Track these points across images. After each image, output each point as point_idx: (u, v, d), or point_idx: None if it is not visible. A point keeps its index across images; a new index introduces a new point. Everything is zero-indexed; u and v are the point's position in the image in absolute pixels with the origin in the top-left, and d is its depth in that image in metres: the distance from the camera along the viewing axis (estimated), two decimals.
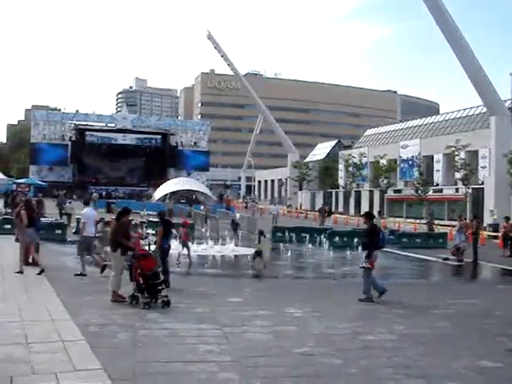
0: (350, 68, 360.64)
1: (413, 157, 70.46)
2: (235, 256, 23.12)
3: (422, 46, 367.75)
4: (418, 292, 16.03)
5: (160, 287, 11.34)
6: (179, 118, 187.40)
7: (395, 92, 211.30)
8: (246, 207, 65.02)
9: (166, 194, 57.36)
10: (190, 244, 21.32)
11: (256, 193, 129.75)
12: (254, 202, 66.19)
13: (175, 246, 20.18)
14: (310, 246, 27.05)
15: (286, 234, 29.86)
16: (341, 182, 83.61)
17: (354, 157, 78.47)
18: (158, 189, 62.20)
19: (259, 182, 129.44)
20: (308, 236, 29.14)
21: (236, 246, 25.95)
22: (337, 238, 29.13)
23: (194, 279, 16.81)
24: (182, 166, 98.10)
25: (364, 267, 13.18)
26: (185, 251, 20.53)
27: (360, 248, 24.45)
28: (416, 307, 13.18)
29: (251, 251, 23.68)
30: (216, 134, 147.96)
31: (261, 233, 20.89)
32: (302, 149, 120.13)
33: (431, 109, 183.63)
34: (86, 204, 16.73)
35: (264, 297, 13.75)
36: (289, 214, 66.96)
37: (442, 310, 12.91)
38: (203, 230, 32.49)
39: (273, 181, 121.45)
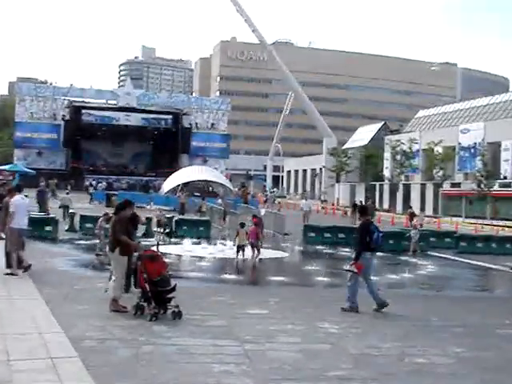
0: (397, 36, 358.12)
1: (475, 144, 70.00)
2: (260, 260, 23.19)
3: (487, 7, 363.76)
4: (479, 307, 15.91)
5: (170, 295, 11.39)
6: (194, 94, 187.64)
7: (455, 65, 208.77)
8: (266, 201, 65.12)
9: (178, 186, 57.35)
10: (259, 244, 23.39)
11: (284, 185, 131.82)
12: (272, 194, 67.00)
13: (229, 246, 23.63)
14: (348, 249, 26.68)
15: (320, 234, 30.22)
16: (386, 172, 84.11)
17: (402, 143, 78.62)
18: (168, 179, 62.47)
19: (288, 172, 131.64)
20: (345, 237, 29.29)
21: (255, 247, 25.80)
22: None
23: (212, 286, 17.07)
24: (197, 152, 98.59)
25: (349, 271, 13.27)
26: (251, 253, 22.74)
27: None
28: (477, 325, 13.07)
29: (277, 254, 24.30)
30: (237, 115, 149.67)
31: (242, 225, 23.28)
32: (340, 133, 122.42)
33: (499, 85, 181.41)
34: (17, 191, 16.50)
35: (292, 308, 13.75)
36: (323, 211, 66.27)
37: (510, 329, 12.80)
38: (221, 227, 32.76)
39: (304, 171, 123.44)
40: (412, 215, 43.51)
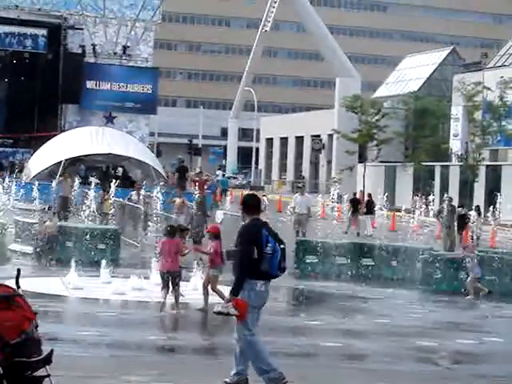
0: None
1: None
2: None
3: None
4: None
5: (40, 372, 7.59)
6: None
7: None
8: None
9: (58, 165, 38.88)
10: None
11: (261, 166, 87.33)
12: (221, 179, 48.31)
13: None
14: (381, 288, 20.52)
15: (326, 257, 21.91)
16: (455, 144, 58.11)
17: (487, 88, 52.80)
18: (39, 151, 42.82)
19: (269, 141, 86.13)
20: (376, 263, 21.93)
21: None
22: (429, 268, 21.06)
23: (123, 357, 12.63)
24: (96, 100, 57.23)
25: (223, 314, 9.76)
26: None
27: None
28: None
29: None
30: (173, 30, 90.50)
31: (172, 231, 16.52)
32: (369, 69, 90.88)
33: None
34: None
35: None
36: (333, 215, 34.26)
37: None
38: (138, 244, 25.10)
39: (299, 140, 79.40)
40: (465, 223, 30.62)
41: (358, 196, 39.84)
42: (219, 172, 70.13)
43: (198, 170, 41.89)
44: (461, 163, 54.82)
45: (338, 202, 33.90)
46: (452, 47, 78.24)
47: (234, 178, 77.19)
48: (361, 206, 36.43)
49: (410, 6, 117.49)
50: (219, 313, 10.19)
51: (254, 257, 9.53)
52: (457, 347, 14.72)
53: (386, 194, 35.31)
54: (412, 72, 76.00)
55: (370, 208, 36.01)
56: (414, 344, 15.07)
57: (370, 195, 40.15)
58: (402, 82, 76.53)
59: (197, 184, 34.36)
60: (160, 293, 16.34)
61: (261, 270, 9.61)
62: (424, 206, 30.87)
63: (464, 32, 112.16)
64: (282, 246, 9.74)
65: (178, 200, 26.94)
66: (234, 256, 9.96)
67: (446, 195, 35.55)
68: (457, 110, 58.33)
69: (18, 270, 9.32)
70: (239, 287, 9.68)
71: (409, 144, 65.05)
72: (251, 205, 10.10)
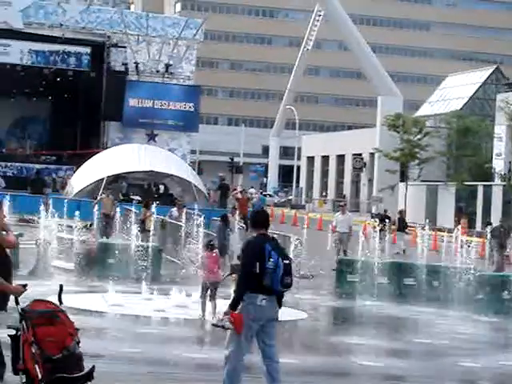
0: None
1: None
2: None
3: None
4: None
5: None
6: (132, 8, 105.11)
7: None
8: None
9: (100, 181, 38.09)
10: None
11: (302, 184, 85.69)
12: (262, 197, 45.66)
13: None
14: (430, 308, 19.76)
15: (369, 276, 21.21)
16: (498, 163, 57.21)
17: None
18: (81, 168, 42.26)
19: (310, 159, 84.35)
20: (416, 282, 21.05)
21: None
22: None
23: (163, 374, 12.40)
24: (138, 118, 57.19)
25: (219, 327, 9.68)
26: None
27: None
28: None
29: (288, 314, 16.97)
30: (215, 49, 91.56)
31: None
32: (411, 88, 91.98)
33: None
34: None
35: None
36: (376, 234, 32.21)
37: None
38: (181, 261, 24.24)
39: (341, 158, 78.33)
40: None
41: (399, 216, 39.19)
42: (252, 190, 68.49)
43: (240, 189, 41.47)
44: (504, 183, 53.89)
45: (380, 221, 33.48)
46: (495, 66, 76.96)
47: (270, 196, 76.14)
48: (390, 224, 35.33)
49: (453, 25, 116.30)
50: (215, 325, 10.16)
51: (256, 271, 9.50)
52: (499, 368, 14.30)
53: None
54: (455, 91, 74.64)
55: (402, 225, 35.63)
56: (455, 364, 14.68)
57: (400, 212, 39.67)
58: (445, 100, 75.26)
59: (239, 201, 34.08)
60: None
61: (263, 285, 9.57)
62: (466, 226, 30.39)
63: (508, 50, 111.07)
64: (285, 262, 9.67)
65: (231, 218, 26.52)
66: (238, 270, 9.85)
67: (491, 216, 34.82)
68: (500, 130, 57.40)
69: (61, 286, 9.10)
70: (237, 301, 9.64)
71: (451, 163, 63.62)
72: (257, 220, 10.05)
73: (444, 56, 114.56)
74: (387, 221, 33.60)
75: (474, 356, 15.10)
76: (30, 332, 8.52)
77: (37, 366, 8.33)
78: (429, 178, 61.73)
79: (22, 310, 8.55)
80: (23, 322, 8.44)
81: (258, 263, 9.37)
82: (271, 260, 9.34)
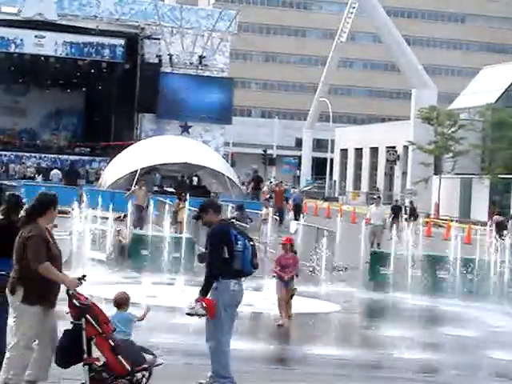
0: None
1: None
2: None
3: None
4: None
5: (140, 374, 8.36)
6: (166, 0, 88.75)
7: None
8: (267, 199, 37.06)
9: (134, 173, 37.56)
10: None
11: (335, 177, 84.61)
12: (276, 185, 42.56)
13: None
14: (461, 301, 19.23)
15: (402, 269, 20.61)
16: None
17: None
18: (115, 160, 42.02)
19: (343, 152, 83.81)
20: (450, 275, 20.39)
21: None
22: None
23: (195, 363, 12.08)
24: (172, 110, 56.41)
25: (192, 315, 9.47)
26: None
27: None
28: None
29: (320, 306, 18.18)
30: (250, 41, 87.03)
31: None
32: (446, 81, 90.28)
33: None
34: None
35: None
36: (413, 227, 31.55)
37: None
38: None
39: (374, 150, 77.71)
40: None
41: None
42: (295, 190, 67.44)
43: (272, 183, 41.08)
44: None
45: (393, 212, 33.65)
46: None
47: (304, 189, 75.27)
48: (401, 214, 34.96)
49: (488, 17, 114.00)
50: (189, 314, 10.04)
51: (225, 256, 9.44)
52: None
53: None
54: (490, 83, 72.36)
55: (412, 214, 35.40)
56: (489, 358, 14.53)
57: (411, 202, 39.66)
58: (480, 93, 72.87)
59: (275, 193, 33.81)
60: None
61: (233, 269, 9.53)
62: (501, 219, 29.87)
63: None
64: (251, 243, 9.73)
65: (264, 210, 26.43)
66: (206, 258, 9.85)
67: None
68: None
69: (83, 276, 8.76)
70: (208, 287, 9.57)
71: (485, 156, 61.79)
72: (216, 206, 10.08)
73: (479, 48, 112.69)
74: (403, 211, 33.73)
75: (508, 349, 14.96)
76: (95, 321, 8.40)
77: (121, 358, 8.31)
78: (463, 171, 60.49)
79: (82, 303, 8.40)
80: (87, 316, 8.30)
81: (226, 248, 9.34)
82: (239, 242, 9.38)
